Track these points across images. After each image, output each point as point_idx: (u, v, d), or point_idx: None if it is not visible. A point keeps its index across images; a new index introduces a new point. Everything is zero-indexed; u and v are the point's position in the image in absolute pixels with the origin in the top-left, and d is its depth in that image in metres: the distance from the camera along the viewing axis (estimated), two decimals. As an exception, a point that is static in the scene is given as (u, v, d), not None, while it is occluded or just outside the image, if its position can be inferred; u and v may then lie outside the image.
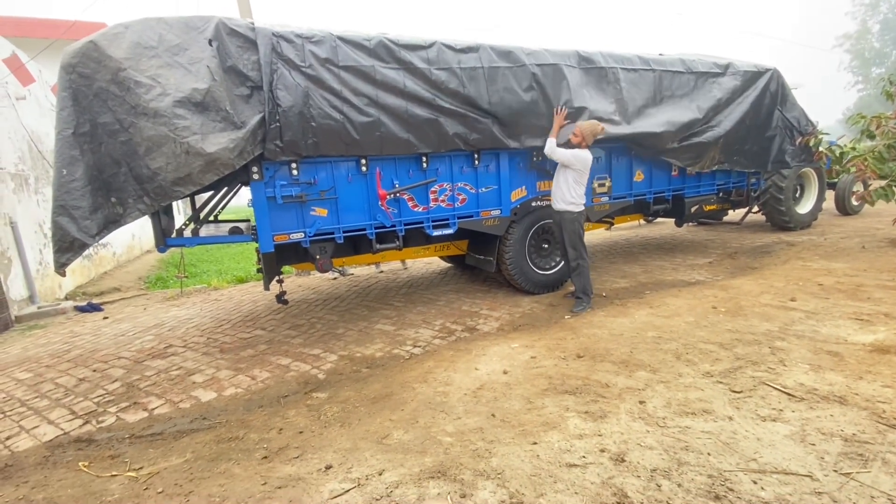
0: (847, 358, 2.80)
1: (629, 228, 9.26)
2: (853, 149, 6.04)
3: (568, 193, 4.14)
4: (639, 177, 5.26)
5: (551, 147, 4.17)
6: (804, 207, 7.43)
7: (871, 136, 5.64)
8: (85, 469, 2.37)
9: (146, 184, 3.04)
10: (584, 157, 4.09)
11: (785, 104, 6.05)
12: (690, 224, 8.66)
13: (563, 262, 4.88)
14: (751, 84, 5.71)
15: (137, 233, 10.50)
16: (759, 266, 5.36)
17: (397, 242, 4.21)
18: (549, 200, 4.69)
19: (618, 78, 4.71)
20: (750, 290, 4.30)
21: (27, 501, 2.16)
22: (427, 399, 2.72)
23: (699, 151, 5.29)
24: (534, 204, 4.62)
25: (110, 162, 2.99)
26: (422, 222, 4.22)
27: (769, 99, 5.84)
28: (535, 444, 2.18)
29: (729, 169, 5.81)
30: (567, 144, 4.20)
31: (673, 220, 6.20)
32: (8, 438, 2.76)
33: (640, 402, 2.47)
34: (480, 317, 4.27)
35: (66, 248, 2.92)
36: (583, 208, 4.21)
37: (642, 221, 9.01)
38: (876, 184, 5.56)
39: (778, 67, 6.00)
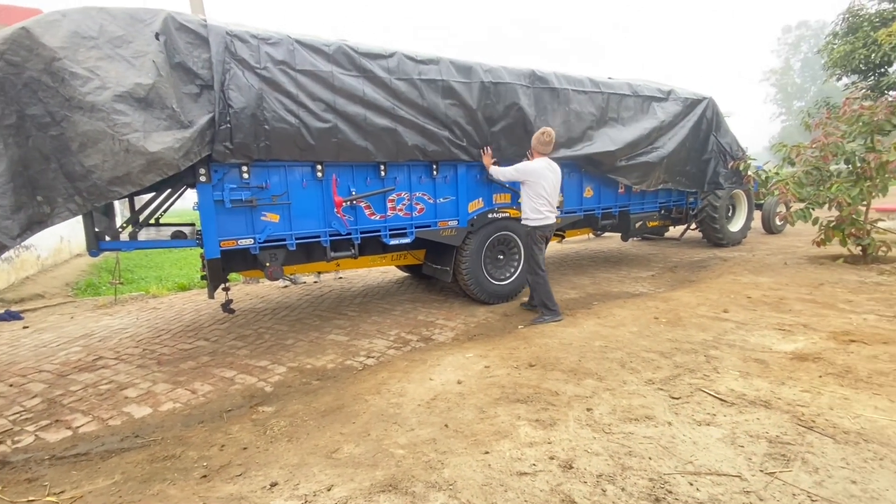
0: (771, 365, 3.04)
1: (579, 242, 9.64)
2: (777, 174, 6.64)
3: (525, 206, 4.24)
4: (588, 193, 5.51)
5: (494, 171, 4.32)
6: (735, 226, 8.05)
7: (792, 163, 6.23)
8: (-6, 496, 2.13)
9: (78, 182, 2.82)
10: (530, 167, 4.10)
11: (719, 130, 6.58)
12: (635, 239, 9.14)
13: (517, 273, 5.00)
14: (690, 110, 6.17)
15: (66, 234, 9.67)
16: (696, 279, 5.73)
17: (353, 251, 4.14)
18: (504, 212, 4.82)
19: (569, 98, 4.93)
20: (688, 302, 4.58)
21: (-81, 536, 1.92)
22: (380, 411, 2.68)
23: (646, 171, 5.63)
24: (490, 216, 4.71)
25: (38, 157, 2.75)
26: (379, 231, 4.18)
27: (706, 125, 6.34)
28: (486, 453, 2.19)
29: (671, 188, 6.22)
30: (525, 159, 4.35)
31: (619, 234, 6.53)
32: None
33: (588, 410, 2.55)
34: (436, 327, 4.27)
35: None
36: (542, 223, 4.11)
37: (591, 235, 9.40)
38: (796, 206, 6.14)
39: (713, 96, 6.53)
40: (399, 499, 1.91)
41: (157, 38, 2.98)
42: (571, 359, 3.27)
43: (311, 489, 2.01)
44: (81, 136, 2.76)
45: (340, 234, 3.99)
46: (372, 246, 4.46)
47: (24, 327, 5.00)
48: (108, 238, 3.46)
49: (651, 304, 4.58)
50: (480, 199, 4.68)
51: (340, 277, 6.67)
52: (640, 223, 6.20)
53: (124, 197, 3.18)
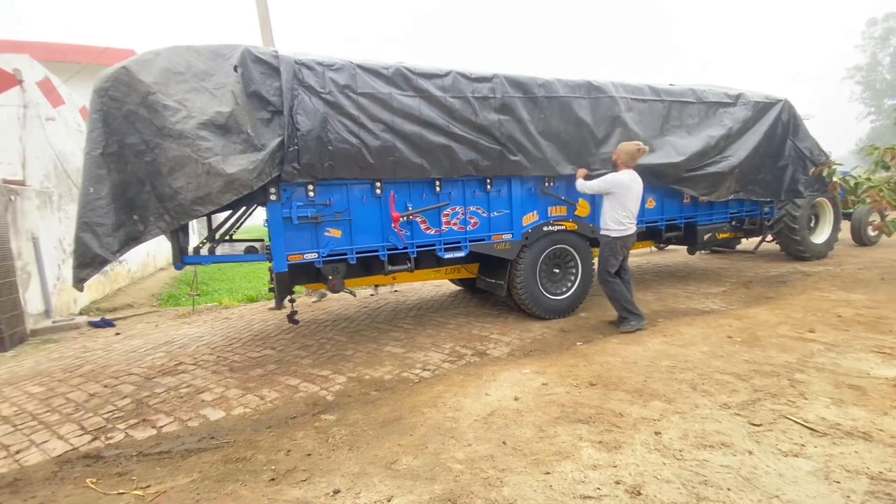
0: (870, 392, 2.71)
1: (641, 255, 9.21)
2: (868, 179, 6.00)
3: (605, 217, 4.22)
4: (650, 204, 5.27)
5: (579, 184, 4.36)
6: (819, 237, 7.34)
7: (886, 168, 5.62)
8: (92, 486, 2.35)
9: (167, 202, 3.13)
10: (619, 180, 4.11)
11: (797, 134, 6.07)
12: (703, 252, 8.59)
13: (574, 288, 4.86)
14: (762, 114, 5.76)
15: (152, 250, 10.68)
16: (774, 296, 5.27)
17: (409, 264, 4.23)
18: (560, 225, 4.72)
19: (629, 108, 4.78)
20: (766, 320, 4.22)
21: (33, 518, 2.15)
22: (437, 424, 2.68)
23: (715, 181, 5.31)
24: (545, 229, 4.63)
25: (135, 181, 3.08)
26: (434, 245, 4.24)
27: (781, 129, 5.88)
28: (547, 473, 2.12)
29: (743, 198, 5.80)
30: (610, 170, 4.34)
31: (685, 247, 6.16)
32: (18, 452, 2.76)
33: (656, 433, 2.40)
34: (491, 341, 4.23)
35: (87, 263, 2.98)
36: (625, 233, 4.13)
37: (653, 248, 8.96)
38: (893, 214, 5.50)
39: (789, 98, 6.06)
40: (458, 515, 1.89)
41: (236, 71, 3.27)
42: (636, 379, 3.10)
43: (372, 499, 2.04)
44: (171, 160, 3.07)
45: (397, 249, 4.09)
46: (427, 260, 4.52)
47: (116, 334, 5.55)
48: (190, 252, 3.78)
49: (724, 321, 4.27)
50: (535, 212, 4.62)
51: (396, 291, 6.81)
52: (709, 235, 5.82)
53: (204, 215, 3.47)
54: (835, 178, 6.19)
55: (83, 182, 3.01)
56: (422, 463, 2.30)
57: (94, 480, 2.40)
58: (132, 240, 3.11)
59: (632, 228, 4.20)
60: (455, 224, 4.31)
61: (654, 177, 4.95)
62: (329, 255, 3.85)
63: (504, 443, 2.41)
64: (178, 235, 3.55)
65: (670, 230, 5.56)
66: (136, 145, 3.08)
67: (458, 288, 6.62)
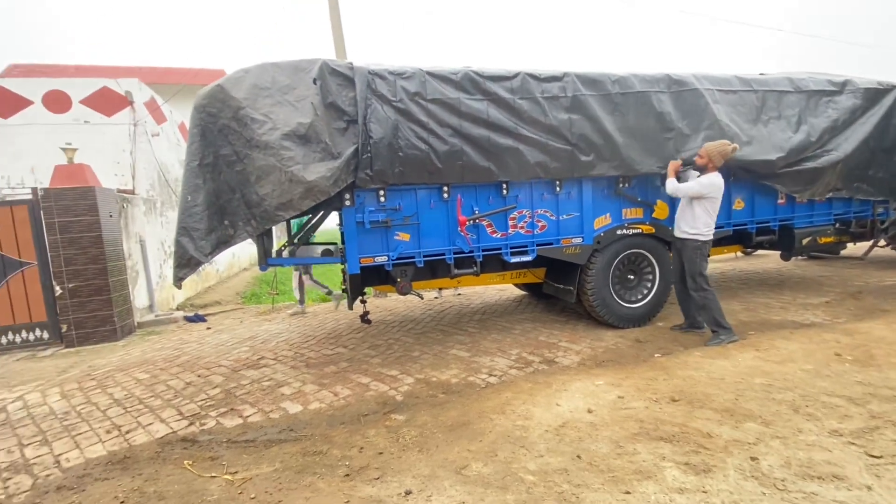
0: None
1: (725, 261, 8.49)
2: None
3: (694, 220, 3.96)
4: (738, 205, 4.84)
5: (674, 186, 4.02)
6: (949, 242, 6.31)
7: None
8: (189, 468, 2.58)
9: (254, 208, 3.38)
10: (714, 181, 3.88)
11: (920, 124, 5.27)
12: (799, 257, 7.74)
13: (651, 295, 4.58)
14: (873, 103, 5.08)
15: (237, 252, 11.63)
16: (892, 308, 4.60)
17: (475, 268, 4.21)
18: (636, 228, 4.47)
19: (715, 100, 4.43)
20: (883, 337, 3.69)
21: (140, 493, 2.39)
22: (506, 432, 2.63)
23: (811, 177, 4.75)
24: (619, 232, 4.41)
25: (227, 189, 3.37)
26: (500, 248, 4.20)
27: (898, 118, 5.13)
28: (627, 493, 2.00)
29: (848, 197, 5.15)
30: (692, 166, 4.07)
31: (777, 252, 5.58)
32: (128, 432, 3.10)
33: (752, 459, 2.18)
34: (559, 349, 4.10)
35: (185, 264, 3.30)
36: (709, 238, 3.97)
37: (739, 253, 8.21)
38: None
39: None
40: (532, 528, 1.83)
41: (315, 83, 3.46)
42: (725, 396, 2.84)
43: (444, 503, 2.04)
44: (258, 169, 3.32)
45: (463, 252, 4.10)
46: (492, 263, 4.48)
47: (208, 328, 6.08)
48: (273, 255, 4.06)
49: (829, 336, 3.79)
50: (608, 214, 4.41)
51: (459, 294, 6.83)
52: (809, 239, 5.20)
53: (286, 220, 3.70)
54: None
55: (182, 191, 3.34)
56: (492, 471, 2.26)
57: (191, 463, 2.63)
58: (223, 243, 3.40)
59: (711, 233, 4.00)
60: (522, 227, 4.23)
61: (744, 172, 4.54)
62: (398, 258, 3.94)
63: (578, 457, 2.31)
64: (263, 239, 3.81)
65: (762, 233, 5.05)
66: (229, 156, 3.36)
67: (523, 292, 6.50)
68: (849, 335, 3.79)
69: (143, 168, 7.45)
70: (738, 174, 4.61)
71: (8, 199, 5.68)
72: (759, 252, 8.12)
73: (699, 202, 3.93)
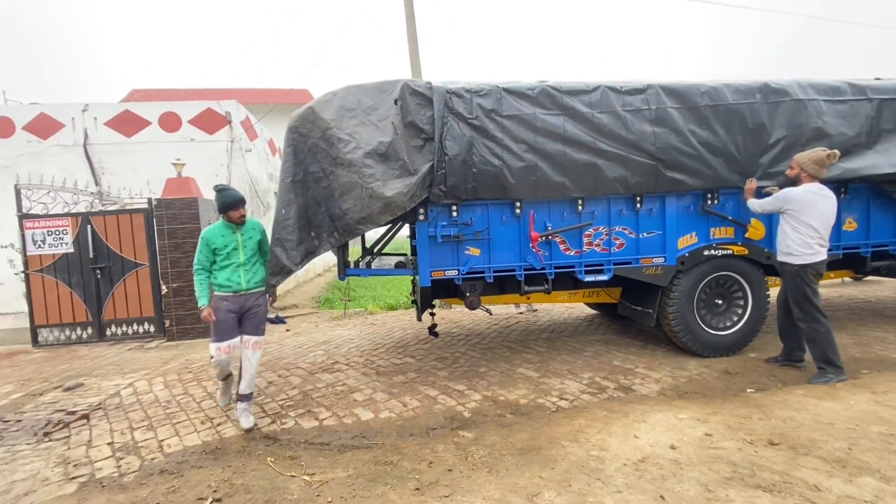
0: None
1: (831, 286, 7.56)
2: None
3: (785, 241, 3.61)
4: (850, 225, 4.30)
5: (753, 204, 3.79)
6: None
7: None
8: (271, 465, 2.75)
9: (337, 221, 3.58)
10: (792, 194, 3.53)
11: None
12: (925, 286, 6.69)
13: (741, 322, 4.19)
14: None
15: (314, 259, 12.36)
16: None
17: (546, 285, 4.12)
18: (725, 249, 4.13)
19: (822, 111, 4.00)
20: None
21: (230, 484, 2.59)
22: (579, 461, 2.52)
23: None
24: (706, 253, 4.09)
25: (314, 203, 3.60)
26: (573, 266, 4.07)
27: None
28: (720, 545, 1.82)
29: None
30: (787, 181, 3.76)
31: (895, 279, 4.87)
32: (219, 424, 3.38)
33: (874, 523, 1.90)
34: (636, 375, 3.87)
35: (278, 272, 3.56)
36: (812, 259, 3.52)
37: (847, 279, 7.26)
38: None
39: None
40: (611, 571, 1.73)
41: (396, 104, 3.61)
42: (835, 444, 2.51)
43: (515, 531, 1.99)
44: (341, 186, 3.52)
45: (534, 269, 4.03)
46: (564, 281, 4.35)
47: (287, 330, 6.50)
48: (351, 265, 4.26)
49: (969, 383, 3.23)
50: (693, 233, 4.12)
51: (535, 310, 6.66)
52: (938, 267, 4.50)
53: (365, 232, 3.87)
54: None
55: (277, 205, 3.62)
56: (566, 502, 2.17)
57: (273, 460, 2.80)
58: (310, 253, 3.63)
59: (822, 252, 3.51)
60: (598, 245, 4.07)
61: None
62: (468, 273, 3.96)
63: (662, 497, 2.15)
64: (343, 251, 4.02)
65: (879, 258, 4.44)
66: (316, 173, 3.60)
67: (594, 312, 6.24)
68: None
69: (237, 180, 8.19)
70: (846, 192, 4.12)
71: (128, 207, 6.51)
72: (870, 277, 7.12)
73: (785, 220, 3.58)
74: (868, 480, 2.20)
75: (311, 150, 3.58)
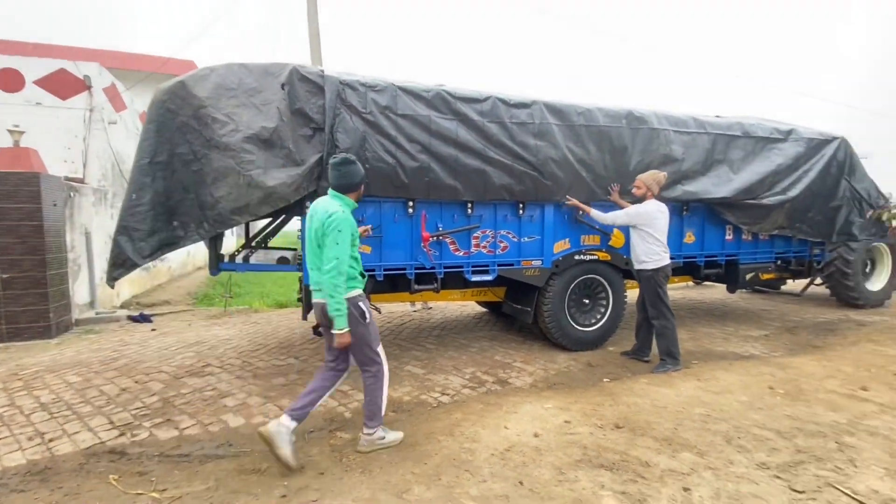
0: (931, 466, 2.46)
1: (677, 289, 8.85)
2: (934, 227, 5.58)
3: (639, 250, 4.09)
4: (689, 238, 5.08)
5: (599, 216, 4.24)
6: (876, 284, 6.85)
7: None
8: (114, 483, 2.41)
9: (208, 210, 3.26)
10: (643, 210, 4.02)
11: (854, 174, 5.74)
12: (744, 291, 8.18)
13: (604, 320, 4.71)
14: (816, 152, 5.49)
15: (192, 250, 11.16)
16: (822, 345, 4.93)
17: (435, 284, 4.21)
18: (593, 255, 4.61)
19: (670, 139, 4.66)
20: (813, 372, 3.94)
21: (57, 509, 2.22)
22: (452, 455, 2.62)
23: (761, 213, 5.09)
24: (577, 257, 4.53)
25: (180, 189, 3.24)
26: (462, 266, 4.22)
27: (836, 168, 5.58)
28: (564, 522, 2.02)
29: (790, 236, 5.51)
30: (633, 199, 4.24)
31: (724, 284, 5.88)
32: (51, 441, 2.88)
33: (685, 489, 2.25)
34: (513, 369, 4.13)
35: (120, 264, 3.14)
36: (660, 264, 4.02)
37: (691, 283, 8.60)
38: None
39: (846, 136, 5.74)
40: (467, 557, 1.82)
41: (283, 88, 3.40)
42: (666, 425, 2.94)
43: (380, 529, 1.99)
44: (215, 171, 3.21)
45: (425, 268, 4.09)
46: (454, 281, 4.49)
47: (152, 329, 5.77)
48: (226, 258, 3.91)
49: (765, 370, 4.01)
50: (567, 239, 4.53)
51: (430, 308, 6.75)
52: (752, 275, 5.53)
53: (241, 224, 3.58)
54: (895, 223, 5.78)
55: (128, 188, 3.19)
56: (434, 496, 2.23)
57: (117, 478, 2.46)
58: (167, 245, 3.26)
59: (667, 258, 4.08)
60: (484, 247, 4.27)
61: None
62: (358, 271, 3.88)
63: (521, 483, 2.32)
64: (216, 243, 3.68)
65: (710, 267, 5.33)
66: (185, 155, 3.24)
67: (483, 310, 6.54)
68: (782, 369, 4.02)
69: (95, 156, 7.06)
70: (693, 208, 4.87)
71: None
72: (708, 283, 8.53)
73: (636, 233, 4.10)
74: (687, 455, 2.60)
75: (180, 129, 3.22)
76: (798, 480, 2.34)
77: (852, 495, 2.20)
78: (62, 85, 6.98)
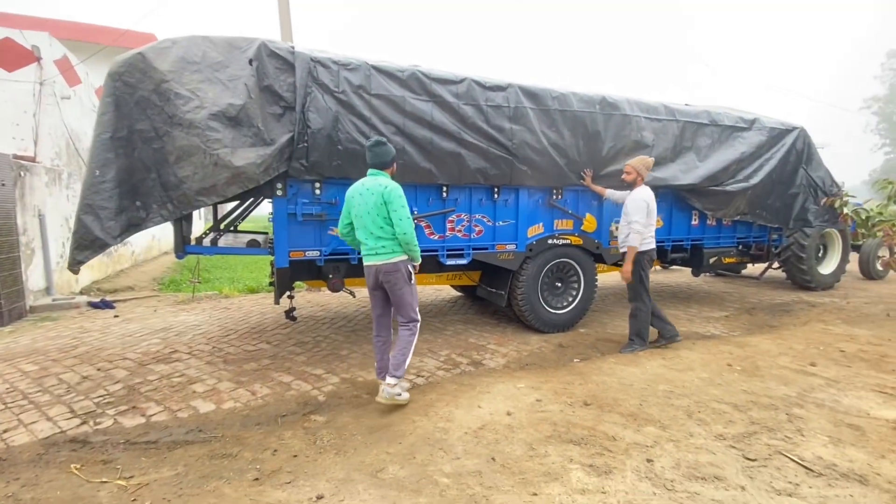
0: (869, 433, 2.66)
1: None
2: (880, 213, 5.93)
3: (622, 234, 4.18)
4: (658, 224, 5.22)
5: (617, 196, 4.42)
6: (827, 268, 7.26)
7: (899, 203, 5.55)
8: (76, 472, 2.34)
9: (171, 191, 3.12)
10: (647, 196, 4.05)
11: (811, 163, 6.02)
12: (708, 274, 8.52)
13: (575, 302, 4.82)
14: (777, 141, 5.71)
15: (158, 234, 10.72)
16: (777, 325, 5.21)
17: (411, 268, 4.20)
18: (565, 239, 4.69)
19: (643, 126, 4.75)
20: (767, 350, 4.16)
21: (15, 500, 2.14)
22: (426, 434, 2.65)
23: (724, 200, 5.28)
24: (550, 241, 4.60)
25: (141, 167, 3.08)
26: (437, 250, 4.22)
27: (795, 157, 5.83)
28: (534, 494, 2.09)
29: (751, 221, 5.76)
30: (622, 184, 4.30)
31: (689, 268, 6.11)
32: (5, 431, 2.76)
33: (648, 461, 2.36)
34: (487, 351, 4.20)
35: (87, 245, 2.98)
36: (647, 247, 4.09)
37: (658, 266, 8.89)
38: (903, 251, 5.43)
39: (805, 126, 6.00)
40: (441, 531, 1.86)
41: (251, 64, 3.26)
42: (631, 401, 3.06)
43: (355, 508, 2.01)
44: (178, 149, 3.07)
45: (400, 252, 4.06)
46: (429, 264, 4.48)
47: (115, 316, 5.55)
48: (191, 242, 3.77)
49: (724, 348, 4.21)
50: (541, 224, 4.59)
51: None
52: (715, 259, 5.77)
53: (208, 205, 3.46)
54: (846, 210, 6.12)
55: (89, 164, 3.01)
56: (408, 474, 2.26)
57: (79, 466, 2.39)
58: (133, 226, 3.11)
59: (653, 242, 4.18)
60: (459, 231, 4.28)
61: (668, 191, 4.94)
62: (331, 254, 3.83)
63: (493, 459, 2.38)
64: (182, 224, 3.54)
65: (676, 251, 5.52)
66: (146, 132, 3.08)
67: (458, 293, 6.59)
68: (740, 347, 4.24)
69: (48, 134, 6.63)
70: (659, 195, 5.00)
71: None
72: (674, 267, 8.84)
73: (626, 215, 4.13)
74: (651, 429, 2.72)
75: (140, 103, 3.05)
76: (751, 449, 2.48)
77: (799, 461, 2.36)
78: (8, 55, 6.48)
